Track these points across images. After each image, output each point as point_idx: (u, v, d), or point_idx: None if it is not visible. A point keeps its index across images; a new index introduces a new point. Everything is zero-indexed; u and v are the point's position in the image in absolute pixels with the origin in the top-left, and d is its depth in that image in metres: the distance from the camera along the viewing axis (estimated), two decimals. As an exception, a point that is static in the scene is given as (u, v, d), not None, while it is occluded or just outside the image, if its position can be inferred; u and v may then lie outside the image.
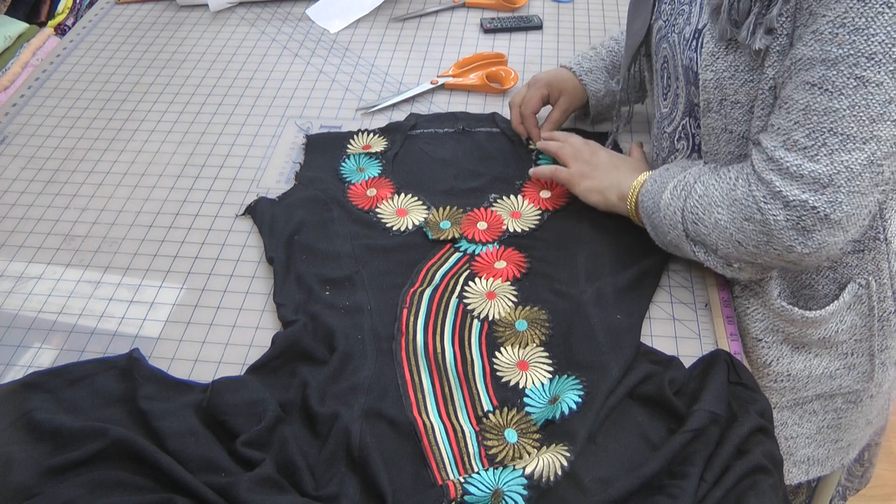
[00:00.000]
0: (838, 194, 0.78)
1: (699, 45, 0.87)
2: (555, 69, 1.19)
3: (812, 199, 0.78)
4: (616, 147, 1.17)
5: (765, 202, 0.81)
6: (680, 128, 0.96)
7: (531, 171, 1.09)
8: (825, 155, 0.77)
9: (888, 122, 0.75)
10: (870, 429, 1.10)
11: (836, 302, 0.94)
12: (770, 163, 0.81)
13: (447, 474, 0.77)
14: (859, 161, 0.77)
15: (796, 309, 0.94)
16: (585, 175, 1.02)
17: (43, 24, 1.90)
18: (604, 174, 1.01)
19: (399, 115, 1.26)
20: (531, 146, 1.18)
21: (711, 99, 0.87)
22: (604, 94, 1.16)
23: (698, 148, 0.94)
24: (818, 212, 0.79)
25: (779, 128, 0.80)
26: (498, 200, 1.08)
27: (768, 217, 0.81)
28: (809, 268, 0.93)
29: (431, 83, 1.32)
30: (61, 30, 1.90)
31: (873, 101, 0.75)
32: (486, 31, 1.48)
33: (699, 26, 0.88)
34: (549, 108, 1.19)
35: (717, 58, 0.85)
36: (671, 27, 0.93)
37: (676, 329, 0.93)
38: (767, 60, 0.81)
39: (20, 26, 1.80)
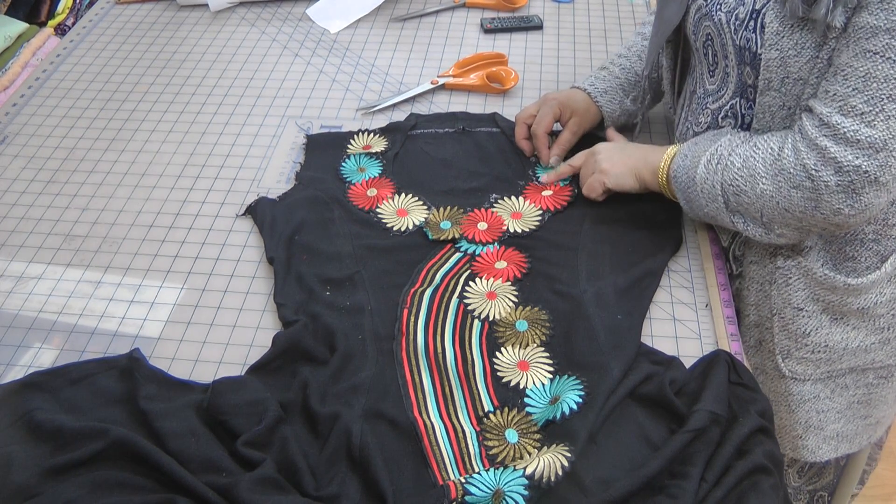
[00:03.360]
0: (890, 158, 0.82)
1: (758, 25, 0.88)
2: (567, 90, 1.18)
3: (865, 163, 0.82)
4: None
5: (815, 170, 0.84)
6: (728, 107, 0.97)
7: (546, 178, 1.10)
8: (882, 120, 0.80)
9: None
10: None
11: (878, 271, 0.96)
12: (825, 128, 0.83)
13: (448, 474, 0.77)
14: None
15: (839, 276, 0.96)
16: (608, 167, 1.02)
17: (43, 24, 1.89)
18: (626, 156, 1.02)
19: (399, 116, 1.26)
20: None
21: (773, 78, 0.89)
22: (619, 115, 1.15)
23: (747, 128, 0.95)
24: (869, 175, 0.82)
25: (835, 94, 0.83)
26: (499, 201, 1.08)
27: (819, 183, 0.84)
28: (849, 231, 0.95)
29: (432, 83, 1.32)
30: (61, 30, 1.89)
31: None
32: (487, 31, 1.48)
33: (756, 7, 0.88)
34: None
35: (783, 37, 0.86)
36: (716, 5, 0.93)
37: (677, 329, 0.93)
38: (831, 34, 0.83)
39: (20, 26, 1.79)
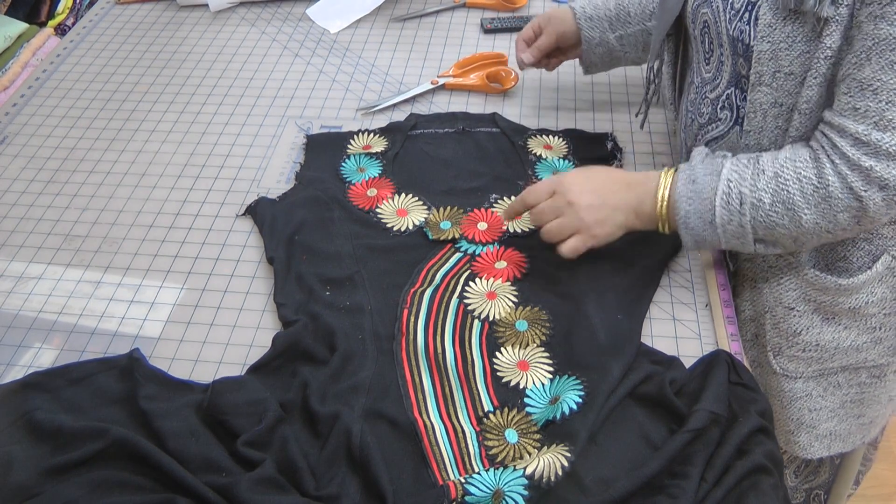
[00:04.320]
0: None
1: (752, 17, 0.88)
2: (562, 8, 1.20)
3: None
4: (616, 146, 1.18)
5: (864, 190, 0.83)
6: (724, 97, 0.96)
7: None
8: None
9: None
10: (891, 406, 1.12)
11: (868, 271, 0.96)
12: (864, 147, 0.82)
13: (448, 474, 0.77)
14: None
15: (830, 277, 0.96)
16: (594, 230, 0.92)
17: (43, 24, 1.89)
18: (609, 210, 0.92)
19: (399, 116, 1.26)
20: (529, 147, 1.18)
21: (764, 71, 0.88)
22: (597, 44, 1.17)
23: (742, 121, 0.94)
24: None
25: (866, 110, 0.82)
26: (498, 201, 1.08)
27: (867, 203, 0.83)
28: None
29: (432, 83, 1.32)
30: (61, 30, 1.89)
31: None
32: (487, 31, 1.48)
33: None
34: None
35: (775, 29, 0.86)
36: None
37: (677, 329, 0.93)
38: (826, 30, 0.83)
39: (20, 26, 1.79)
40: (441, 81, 1.32)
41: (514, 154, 1.17)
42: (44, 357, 0.91)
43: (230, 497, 0.73)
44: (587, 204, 0.92)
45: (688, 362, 0.87)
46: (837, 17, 0.82)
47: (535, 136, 1.20)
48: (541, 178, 1.12)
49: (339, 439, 0.78)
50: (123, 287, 1.00)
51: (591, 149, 1.17)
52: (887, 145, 0.81)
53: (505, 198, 1.08)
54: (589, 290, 0.94)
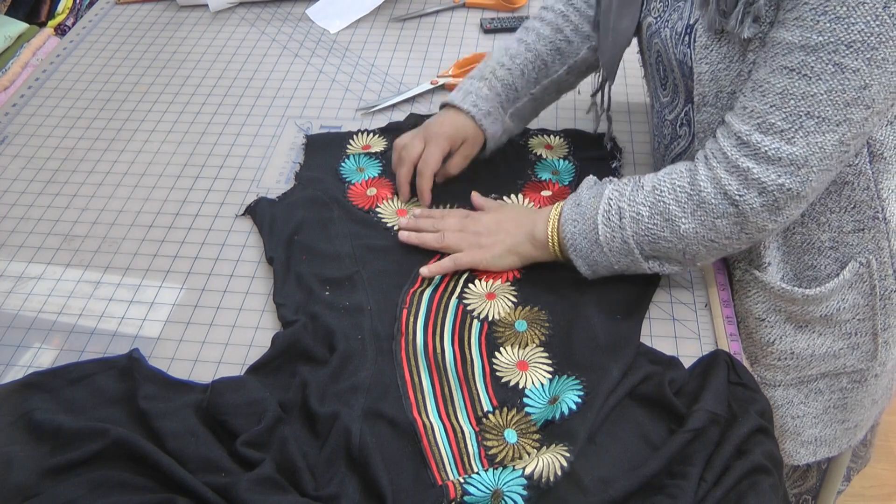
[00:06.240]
0: (810, 173, 0.81)
1: (691, 39, 0.88)
2: (450, 117, 1.07)
3: (788, 181, 0.81)
4: (616, 146, 1.18)
5: (739, 194, 0.83)
6: (682, 114, 0.96)
7: (425, 271, 0.96)
8: (801, 137, 0.79)
9: (860, 106, 0.78)
10: (875, 409, 1.11)
11: (836, 279, 0.95)
12: (744, 147, 0.82)
13: (447, 475, 0.77)
14: (832, 142, 0.80)
15: (797, 288, 0.95)
16: (485, 246, 0.97)
17: (43, 24, 1.89)
18: (504, 234, 0.97)
19: (399, 116, 1.26)
20: (530, 147, 1.18)
21: (706, 92, 0.88)
22: (501, 134, 1.10)
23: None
24: (792, 191, 0.82)
25: (752, 111, 0.82)
26: (497, 200, 1.08)
27: (744, 207, 0.83)
28: (804, 241, 0.95)
29: (431, 83, 1.32)
30: (61, 30, 1.89)
31: (849, 86, 0.77)
32: (486, 31, 1.48)
33: (690, 21, 0.88)
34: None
35: (711, 50, 0.86)
36: (664, 23, 0.93)
37: (676, 329, 0.93)
38: (750, 47, 0.83)
39: (20, 26, 1.79)
40: (441, 81, 1.32)
41: (514, 153, 1.17)
42: (43, 357, 0.91)
43: (229, 497, 0.73)
44: (485, 226, 0.98)
45: (687, 362, 0.87)
46: (761, 35, 0.82)
47: (536, 136, 1.20)
48: (541, 178, 1.12)
49: (339, 439, 0.78)
50: (123, 287, 1.00)
51: (591, 149, 1.17)
52: (766, 148, 0.80)
53: (504, 197, 1.08)
54: (588, 289, 0.94)
